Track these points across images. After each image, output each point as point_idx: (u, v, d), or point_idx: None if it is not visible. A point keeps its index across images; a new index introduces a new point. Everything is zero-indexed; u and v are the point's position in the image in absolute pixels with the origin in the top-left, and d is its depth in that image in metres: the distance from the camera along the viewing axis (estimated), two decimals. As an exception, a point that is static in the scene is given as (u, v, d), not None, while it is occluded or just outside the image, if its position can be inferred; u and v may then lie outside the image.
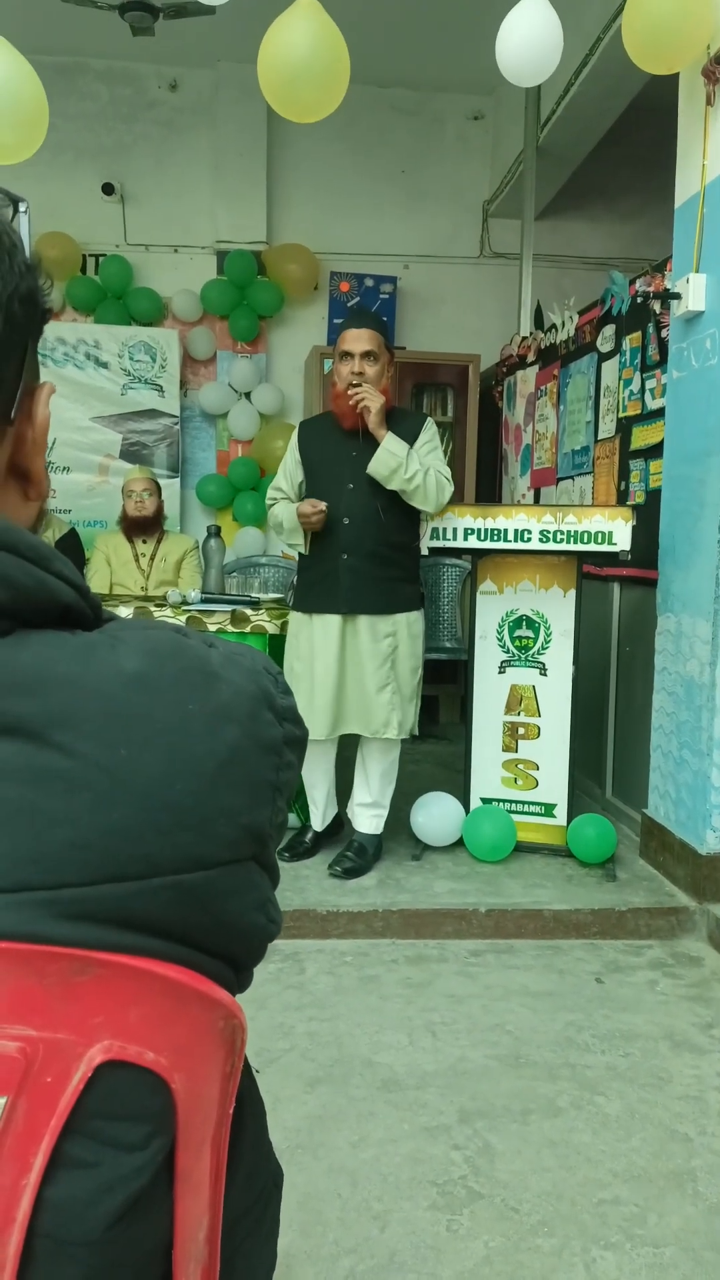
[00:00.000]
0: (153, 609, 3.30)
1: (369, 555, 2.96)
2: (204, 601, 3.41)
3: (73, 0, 4.09)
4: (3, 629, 0.45)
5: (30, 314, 0.52)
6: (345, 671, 3.00)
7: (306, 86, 2.75)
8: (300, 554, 3.11)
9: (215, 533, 3.62)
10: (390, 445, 2.89)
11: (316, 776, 3.18)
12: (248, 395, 5.70)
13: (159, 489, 4.25)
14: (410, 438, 2.96)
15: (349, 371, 2.92)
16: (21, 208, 0.52)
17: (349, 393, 2.91)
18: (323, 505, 2.92)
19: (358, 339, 2.91)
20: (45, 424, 0.54)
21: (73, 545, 4.29)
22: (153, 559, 4.19)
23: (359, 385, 2.89)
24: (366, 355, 2.91)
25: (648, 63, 2.82)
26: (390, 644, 2.99)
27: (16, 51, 2.87)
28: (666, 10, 2.67)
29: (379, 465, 2.89)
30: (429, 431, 3.02)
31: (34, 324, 0.53)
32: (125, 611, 3.20)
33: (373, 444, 2.91)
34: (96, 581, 4.09)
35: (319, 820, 3.25)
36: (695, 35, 2.73)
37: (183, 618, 3.23)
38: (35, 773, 0.42)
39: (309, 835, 3.25)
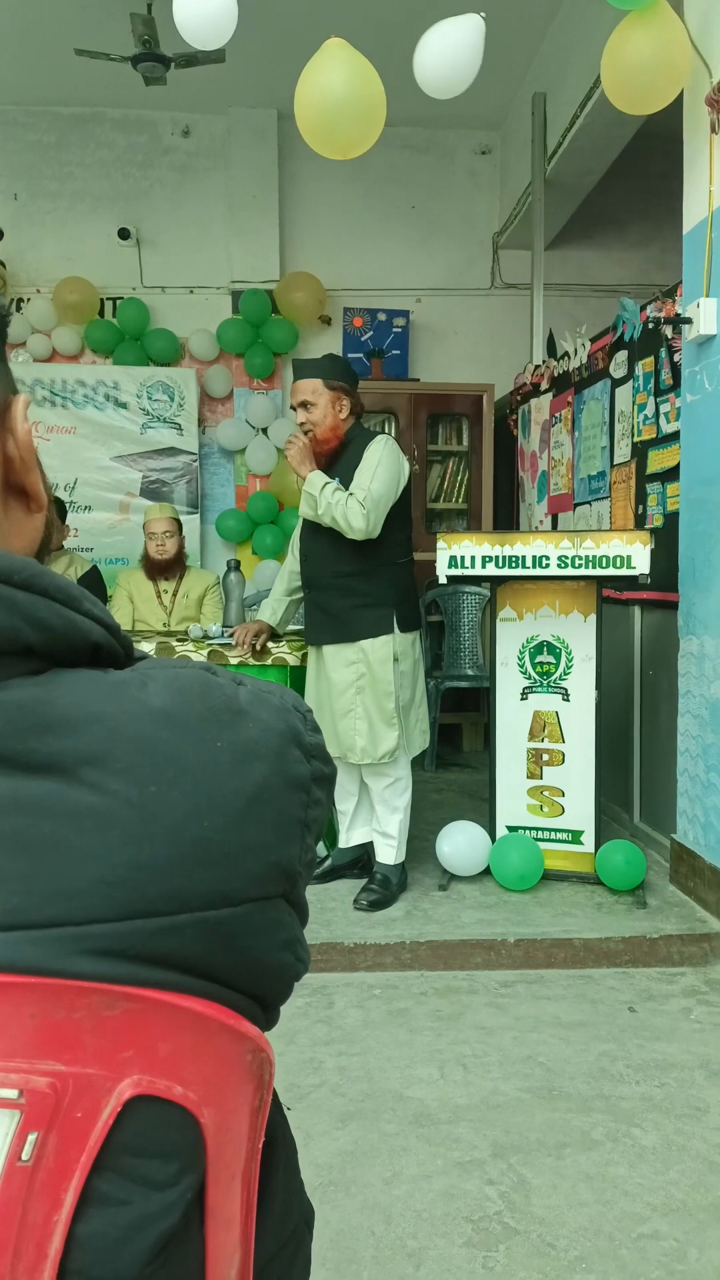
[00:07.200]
0: (174, 644, 3.33)
1: (326, 588, 3.07)
2: (225, 635, 3.43)
3: (87, 54, 4.21)
4: (36, 669, 0.46)
5: None
6: (320, 698, 3.09)
7: (346, 123, 2.79)
8: None
9: (235, 567, 3.65)
10: (307, 485, 2.99)
11: (338, 793, 3.21)
12: (264, 430, 5.76)
13: (180, 527, 4.29)
14: (356, 464, 2.97)
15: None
16: None
17: None
18: (255, 628, 3.22)
19: (294, 392, 3.05)
20: (28, 438, 0.54)
21: (95, 583, 4.33)
22: (175, 595, 4.22)
23: (291, 438, 3.07)
24: (302, 405, 3.01)
25: (627, 105, 2.93)
26: (356, 670, 3.01)
27: None
28: (643, 55, 2.73)
29: (303, 507, 3.04)
30: (370, 455, 2.95)
31: None
32: (147, 647, 3.23)
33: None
34: (119, 618, 4.12)
35: (343, 836, 3.29)
36: (671, 78, 2.82)
37: (204, 652, 3.25)
38: (67, 810, 0.43)
39: (328, 860, 3.30)
